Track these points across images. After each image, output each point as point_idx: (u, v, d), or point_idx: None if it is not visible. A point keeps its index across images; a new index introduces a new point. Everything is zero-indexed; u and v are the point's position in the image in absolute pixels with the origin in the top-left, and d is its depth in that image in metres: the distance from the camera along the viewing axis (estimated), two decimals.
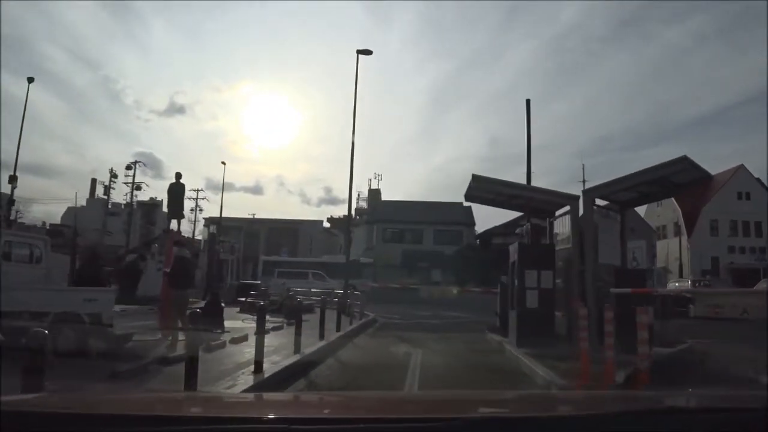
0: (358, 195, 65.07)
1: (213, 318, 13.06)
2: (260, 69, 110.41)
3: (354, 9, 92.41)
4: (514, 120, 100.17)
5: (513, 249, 10.84)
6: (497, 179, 10.25)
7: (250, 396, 4.07)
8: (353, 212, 64.58)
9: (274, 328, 13.52)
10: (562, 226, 11.15)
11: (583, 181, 63.57)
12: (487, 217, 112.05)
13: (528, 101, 14.93)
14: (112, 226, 50.09)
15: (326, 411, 1.86)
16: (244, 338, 11.28)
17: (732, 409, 1.64)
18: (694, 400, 2.06)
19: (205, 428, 1.33)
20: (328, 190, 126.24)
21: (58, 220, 55.23)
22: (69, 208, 58.76)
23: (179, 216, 26.74)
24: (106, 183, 51.74)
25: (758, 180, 49.70)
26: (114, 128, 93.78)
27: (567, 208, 10.31)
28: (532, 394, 4.13)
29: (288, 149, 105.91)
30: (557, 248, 10.66)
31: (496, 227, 48.97)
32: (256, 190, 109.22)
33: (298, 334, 9.55)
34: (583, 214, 9.50)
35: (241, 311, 18.30)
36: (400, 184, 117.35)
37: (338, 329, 13.43)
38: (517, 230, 13.52)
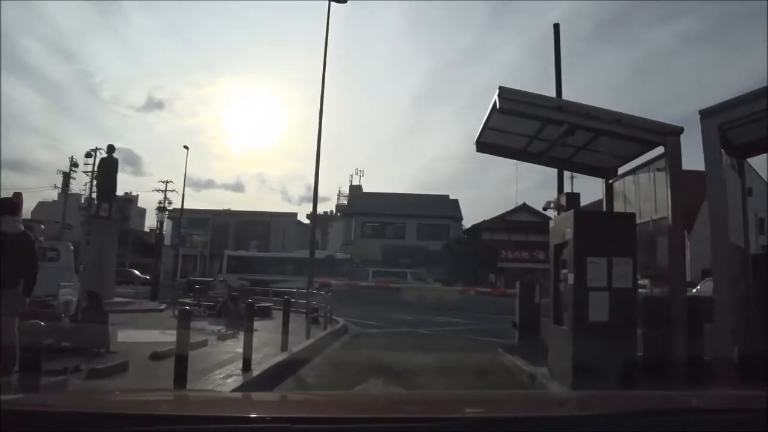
0: (339, 191, 60.84)
1: (91, 331, 8.69)
2: (242, 65, 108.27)
3: (339, 6, 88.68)
4: None
5: (559, 223, 6.57)
6: (546, 96, 5.91)
7: (253, 395, 3.78)
8: (334, 209, 61.31)
9: (196, 345, 9.31)
10: (637, 186, 6.93)
11: (572, 177, 60.45)
12: (476, 212, 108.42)
13: (556, 26, 10.75)
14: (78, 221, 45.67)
15: (329, 410, 1.76)
16: (122, 367, 7.14)
17: (732, 409, 1.61)
18: (695, 401, 2.02)
19: (207, 427, 1.30)
20: (309, 187, 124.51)
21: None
22: (40, 203, 55.51)
23: (110, 197, 22.03)
24: (76, 175, 47.21)
25: (760, 176, 47.11)
26: (92, 123, 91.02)
27: (657, 150, 6.06)
28: (532, 393, 3.99)
29: (270, 146, 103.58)
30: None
31: (485, 221, 45.11)
32: (237, 187, 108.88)
33: (179, 378, 5.11)
34: (708, 154, 5.20)
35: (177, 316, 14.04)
36: (384, 184, 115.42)
37: (284, 348, 9.08)
38: (545, 205, 9.30)
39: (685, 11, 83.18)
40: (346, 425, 1.36)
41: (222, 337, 10.62)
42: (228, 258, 39.32)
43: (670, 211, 5.73)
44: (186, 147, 46.59)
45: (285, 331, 9.32)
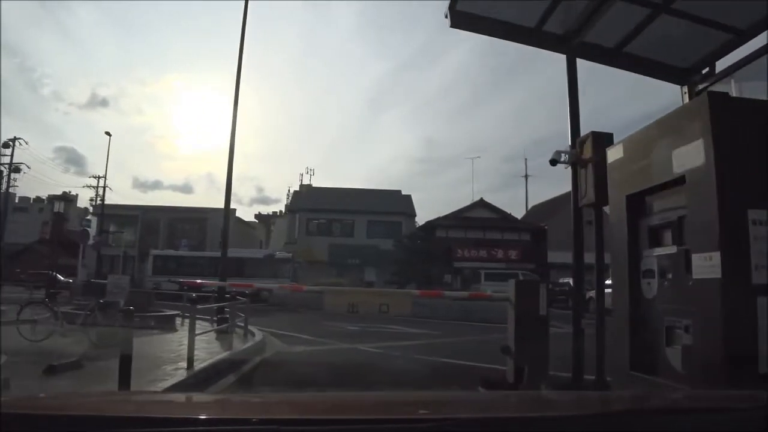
0: (289, 190, 56.96)
1: None
2: (191, 63, 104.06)
3: (294, 6, 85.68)
4: (449, 121, 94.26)
5: (647, 139, 3.02)
6: None
7: (240, 397, 3.50)
8: (283, 209, 56.83)
9: None
10: None
11: (526, 176, 57.90)
12: (431, 214, 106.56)
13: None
14: (17, 222, 40.23)
15: (316, 411, 1.71)
16: None
17: (732, 408, 1.54)
18: (694, 400, 1.93)
19: (195, 429, 1.29)
20: (260, 189, 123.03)
21: None
22: None
23: None
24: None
25: None
26: (32, 121, 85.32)
27: None
28: (528, 394, 3.82)
29: (219, 146, 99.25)
30: None
31: (440, 218, 41.76)
32: (186, 188, 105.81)
33: None
34: None
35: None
36: (338, 184, 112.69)
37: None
38: (554, 156, 5.93)
39: None
40: (334, 426, 1.35)
41: (50, 370, 6.62)
42: (154, 258, 35.14)
43: None
44: (108, 133, 41.29)
45: (123, 371, 5.44)
